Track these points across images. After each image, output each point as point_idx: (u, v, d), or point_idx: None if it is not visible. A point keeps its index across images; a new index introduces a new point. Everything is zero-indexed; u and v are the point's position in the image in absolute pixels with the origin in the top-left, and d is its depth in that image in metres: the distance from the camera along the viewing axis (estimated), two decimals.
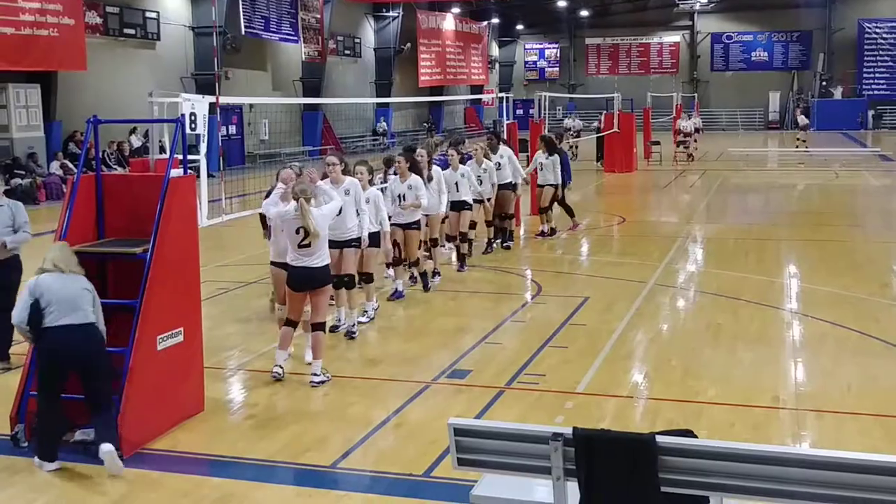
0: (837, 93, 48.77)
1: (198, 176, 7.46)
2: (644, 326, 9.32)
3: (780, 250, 13.99)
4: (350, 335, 8.85)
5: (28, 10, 20.96)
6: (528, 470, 3.71)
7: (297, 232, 7.29)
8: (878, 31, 48.45)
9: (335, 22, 35.85)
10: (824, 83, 49.09)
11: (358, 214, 8.86)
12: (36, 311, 5.82)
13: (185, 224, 6.70)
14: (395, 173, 10.68)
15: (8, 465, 5.96)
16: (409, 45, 40.97)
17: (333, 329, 8.91)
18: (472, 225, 12.74)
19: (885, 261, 13.17)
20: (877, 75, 48.70)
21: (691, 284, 11.59)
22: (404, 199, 10.33)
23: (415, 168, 10.57)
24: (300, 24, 32.70)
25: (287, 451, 6.13)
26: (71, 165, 22.05)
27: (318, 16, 34.00)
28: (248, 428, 6.60)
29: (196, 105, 7.76)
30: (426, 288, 10.87)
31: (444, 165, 12.13)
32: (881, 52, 48.51)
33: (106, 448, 5.68)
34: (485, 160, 13.05)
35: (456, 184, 12.00)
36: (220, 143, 24.74)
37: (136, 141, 24.74)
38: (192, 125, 7.67)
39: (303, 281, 7.40)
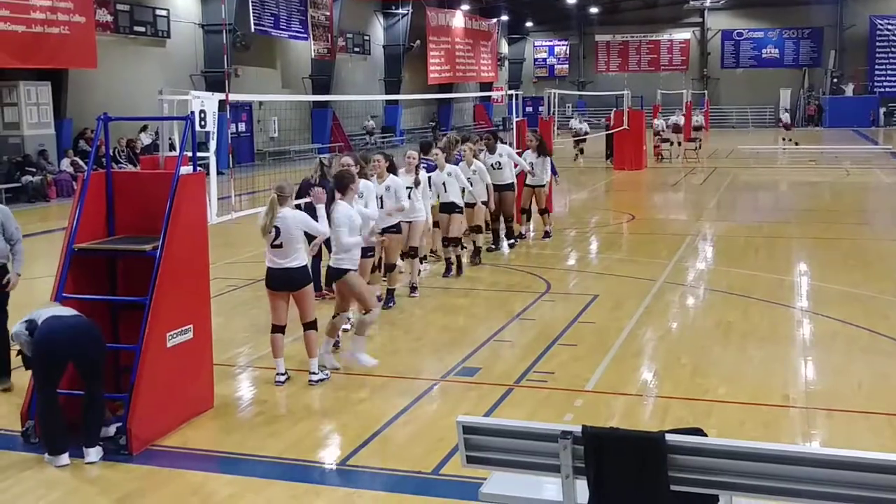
0: (849, 90, 48.56)
1: (207, 173, 7.48)
2: (653, 324, 9.30)
3: (791, 248, 13.93)
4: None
5: (39, 8, 21.04)
6: (536, 468, 3.71)
7: (269, 231, 7.30)
8: (889, 27, 48.20)
9: (344, 19, 35.88)
10: (835, 80, 48.89)
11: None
12: (33, 325, 5.94)
13: (195, 221, 6.72)
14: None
15: (19, 460, 6.00)
16: (418, 42, 40.96)
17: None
18: (477, 228, 12.31)
19: (895, 258, 13.11)
20: (888, 72, 48.47)
21: (701, 282, 11.55)
22: (382, 202, 9.52)
23: (393, 169, 9.89)
24: (310, 21, 32.73)
25: (296, 449, 6.13)
26: (81, 163, 22.13)
27: (328, 13, 34.02)
28: (258, 425, 6.61)
29: (206, 102, 7.77)
30: (386, 305, 9.82)
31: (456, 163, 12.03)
32: (893, 49, 48.26)
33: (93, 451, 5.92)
34: (475, 161, 12.36)
35: (444, 184, 11.38)
36: (230, 141, 24.83)
37: (147, 138, 24.81)
38: (202, 123, 7.68)
39: (280, 282, 7.41)
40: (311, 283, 7.60)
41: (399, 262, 10.45)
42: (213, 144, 8.10)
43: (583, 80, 54.38)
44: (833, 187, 22.62)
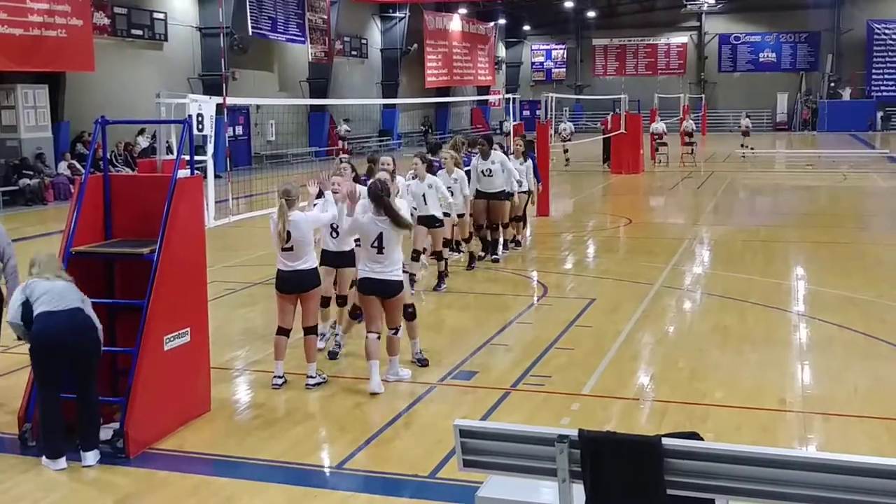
0: (846, 94, 48.60)
1: (205, 177, 7.48)
2: (650, 328, 9.31)
3: (788, 252, 13.95)
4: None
5: (36, 11, 21.02)
6: (533, 472, 3.71)
7: (284, 237, 7.29)
8: (887, 32, 48.26)
9: (342, 23, 35.90)
10: (833, 84, 48.93)
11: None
12: (27, 309, 5.92)
13: (192, 225, 6.72)
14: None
15: (16, 463, 5.99)
16: (415, 45, 41.00)
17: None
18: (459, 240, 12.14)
19: (893, 263, 13.13)
20: (886, 77, 48.52)
21: (698, 286, 11.57)
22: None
23: (358, 180, 8.93)
24: (307, 24, 32.76)
25: (293, 452, 6.14)
26: (79, 166, 22.11)
27: (325, 17, 34.04)
28: (255, 428, 6.61)
29: (203, 106, 7.78)
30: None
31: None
32: (890, 53, 48.32)
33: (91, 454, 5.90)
34: (455, 169, 11.56)
35: (423, 196, 10.61)
36: (227, 144, 24.84)
37: (144, 142, 24.80)
38: (199, 126, 7.68)
39: (291, 284, 7.40)
40: (319, 286, 7.61)
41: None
42: (210, 148, 8.10)
43: (580, 83, 54.39)
44: (830, 191, 22.65)
